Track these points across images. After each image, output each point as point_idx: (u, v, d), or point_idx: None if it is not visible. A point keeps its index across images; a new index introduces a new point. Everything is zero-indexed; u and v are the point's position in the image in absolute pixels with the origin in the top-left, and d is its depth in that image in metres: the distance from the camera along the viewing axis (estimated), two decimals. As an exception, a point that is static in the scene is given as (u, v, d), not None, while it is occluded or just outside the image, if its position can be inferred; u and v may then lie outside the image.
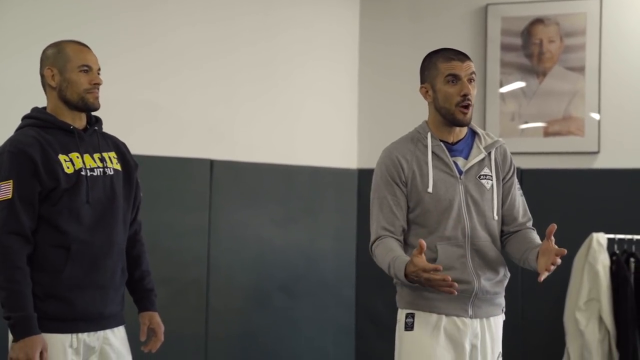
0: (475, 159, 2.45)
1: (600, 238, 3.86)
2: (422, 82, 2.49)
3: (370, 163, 4.63)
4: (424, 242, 2.21)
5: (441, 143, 2.45)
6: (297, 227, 4.39)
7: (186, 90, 4.19)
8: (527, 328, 4.24)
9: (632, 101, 4.30)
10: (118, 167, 2.40)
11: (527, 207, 2.57)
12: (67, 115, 2.34)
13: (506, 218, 2.50)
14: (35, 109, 2.38)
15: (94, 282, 2.28)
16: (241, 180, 4.27)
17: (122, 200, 2.38)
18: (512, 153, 4.39)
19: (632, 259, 3.84)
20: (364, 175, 4.60)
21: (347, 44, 4.72)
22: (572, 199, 4.23)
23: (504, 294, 2.50)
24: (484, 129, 4.50)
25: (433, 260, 2.34)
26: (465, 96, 2.41)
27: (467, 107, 2.41)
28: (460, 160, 2.44)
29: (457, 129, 2.47)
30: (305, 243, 4.40)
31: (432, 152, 2.43)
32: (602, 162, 4.30)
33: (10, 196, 2.20)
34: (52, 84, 2.33)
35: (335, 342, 4.47)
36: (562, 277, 3.97)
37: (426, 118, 2.54)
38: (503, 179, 2.50)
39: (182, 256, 4.05)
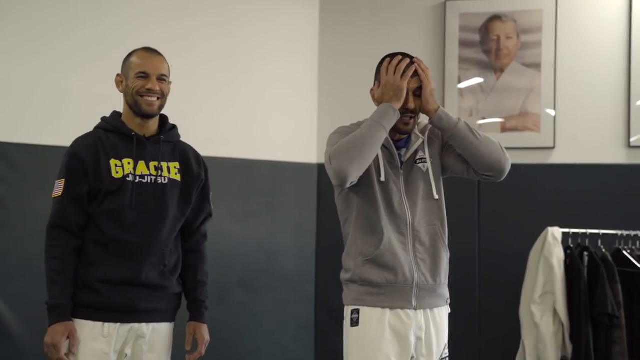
0: (414, 146, 2.55)
1: (556, 232, 3.90)
2: (376, 80, 2.61)
3: None
4: None
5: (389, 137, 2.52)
6: (257, 221, 4.38)
7: None
8: (483, 320, 4.31)
9: (586, 97, 4.36)
10: (177, 177, 2.51)
11: None
12: (133, 120, 2.50)
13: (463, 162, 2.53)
14: (113, 113, 2.56)
15: (126, 279, 2.41)
16: None
17: (174, 209, 2.49)
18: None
19: (585, 253, 3.88)
20: (324, 170, 4.51)
21: (307, 38, 4.72)
22: (528, 193, 4.28)
23: (446, 284, 2.54)
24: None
25: (377, 247, 2.42)
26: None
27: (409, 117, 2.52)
28: (403, 151, 2.55)
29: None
30: (265, 238, 4.39)
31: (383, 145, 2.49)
32: (557, 158, 4.35)
33: (60, 194, 2.40)
34: (120, 90, 2.53)
35: (295, 336, 4.47)
36: (518, 270, 4.04)
37: None
38: (443, 146, 2.58)
39: None
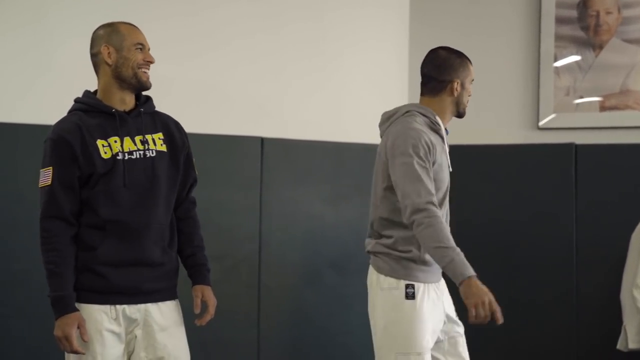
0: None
1: None
2: (453, 76, 2.72)
3: None
4: None
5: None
6: (347, 204, 4.37)
7: (235, 68, 4.20)
8: (582, 305, 4.18)
9: None
10: (163, 148, 2.44)
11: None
12: (116, 94, 2.40)
13: None
14: (85, 93, 2.45)
15: (127, 260, 2.36)
16: (292, 157, 4.28)
17: (165, 181, 2.43)
18: (567, 128, 4.34)
19: None
20: None
21: (398, 24, 4.67)
22: (630, 174, 4.13)
23: None
24: (537, 104, 4.42)
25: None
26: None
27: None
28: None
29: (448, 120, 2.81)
30: (355, 221, 4.34)
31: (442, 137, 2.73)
32: (661, 137, 4.20)
33: (49, 182, 2.31)
34: (109, 61, 2.38)
35: None
36: (619, 253, 3.90)
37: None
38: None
39: (234, 233, 4.09)
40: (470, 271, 2.41)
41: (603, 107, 4.31)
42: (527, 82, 4.43)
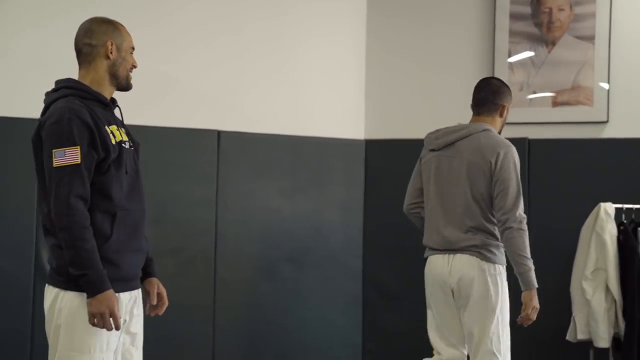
0: None
1: (608, 208, 3.83)
2: (505, 101, 3.16)
3: (378, 134, 4.71)
4: None
5: None
6: (304, 198, 4.39)
7: (195, 64, 4.20)
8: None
9: None
10: (130, 142, 2.51)
11: None
12: (107, 88, 2.44)
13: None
14: (73, 81, 2.43)
15: (134, 246, 2.40)
16: (249, 151, 4.28)
17: (141, 173, 2.50)
18: (520, 123, 4.40)
19: (639, 229, 3.81)
20: (371, 146, 4.60)
21: (355, 16, 4.67)
22: (580, 168, 4.19)
23: None
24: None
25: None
26: None
27: None
28: None
29: None
30: (312, 214, 4.40)
31: None
32: (610, 132, 4.25)
33: (79, 161, 2.28)
34: (110, 57, 2.42)
35: (342, 312, 4.48)
36: (569, 246, 3.97)
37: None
38: None
39: (190, 227, 4.08)
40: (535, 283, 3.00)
41: (555, 103, 4.37)
42: (481, 77, 4.45)
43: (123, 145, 2.40)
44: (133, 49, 2.48)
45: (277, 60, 4.42)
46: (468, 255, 2.98)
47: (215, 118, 4.21)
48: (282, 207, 4.32)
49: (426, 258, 3.13)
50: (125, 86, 2.47)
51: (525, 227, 2.95)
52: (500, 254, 3.02)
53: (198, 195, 4.11)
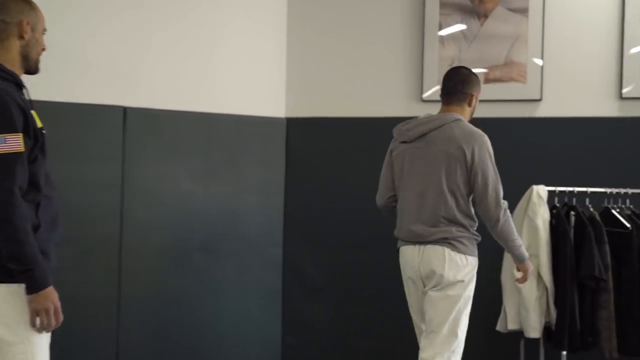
0: None
1: (541, 190, 3.74)
2: (474, 90, 3.21)
3: (299, 112, 4.56)
4: None
5: None
6: (219, 180, 4.23)
7: (96, 32, 3.98)
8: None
9: (576, 46, 4.15)
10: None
11: None
12: (17, 71, 2.37)
13: None
14: None
15: (56, 236, 2.36)
16: (158, 129, 4.10)
17: None
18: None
19: (572, 213, 3.73)
20: (292, 125, 4.50)
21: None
22: (512, 149, 4.08)
23: None
24: (422, 74, 4.30)
25: None
26: None
27: None
28: None
29: None
30: (228, 198, 4.25)
31: None
32: (544, 110, 4.17)
33: (22, 149, 2.22)
34: (25, 37, 2.35)
35: (260, 304, 4.37)
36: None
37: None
38: None
39: (92, 212, 3.90)
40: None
41: (487, 80, 4.20)
42: (412, 52, 4.29)
43: (43, 131, 2.33)
44: (45, 30, 2.41)
45: (190, 32, 4.21)
46: (439, 246, 3.09)
47: (121, 93, 3.99)
48: (194, 191, 4.15)
49: (398, 249, 3.23)
50: (34, 70, 2.41)
51: (508, 212, 3.10)
52: (473, 246, 3.13)
53: (101, 177, 3.91)
